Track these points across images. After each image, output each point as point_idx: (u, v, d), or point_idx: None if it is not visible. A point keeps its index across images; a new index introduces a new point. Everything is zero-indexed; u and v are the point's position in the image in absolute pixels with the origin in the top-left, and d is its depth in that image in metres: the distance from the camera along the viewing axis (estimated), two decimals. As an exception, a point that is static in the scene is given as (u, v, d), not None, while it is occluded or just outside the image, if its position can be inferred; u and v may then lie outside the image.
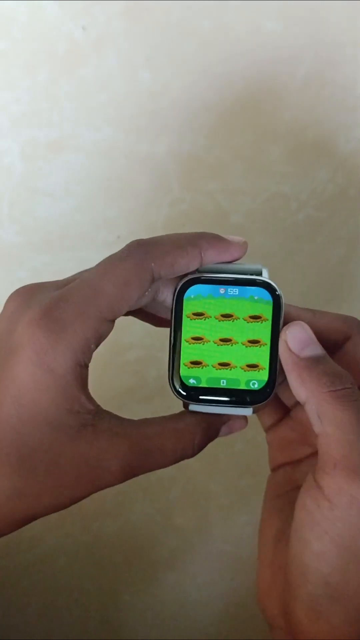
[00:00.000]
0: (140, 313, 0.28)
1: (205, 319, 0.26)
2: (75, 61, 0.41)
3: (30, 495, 0.23)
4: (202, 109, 0.42)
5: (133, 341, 0.43)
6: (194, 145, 0.42)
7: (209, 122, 0.42)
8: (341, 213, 0.43)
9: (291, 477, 0.28)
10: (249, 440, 0.44)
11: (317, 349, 0.24)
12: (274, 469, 0.30)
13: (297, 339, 0.24)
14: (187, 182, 0.43)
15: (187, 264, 0.25)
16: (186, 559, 0.46)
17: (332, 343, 0.26)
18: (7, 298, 0.26)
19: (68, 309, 0.23)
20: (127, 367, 0.43)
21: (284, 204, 0.43)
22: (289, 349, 0.24)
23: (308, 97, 0.42)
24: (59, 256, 0.43)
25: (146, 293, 0.25)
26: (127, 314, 0.26)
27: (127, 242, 0.26)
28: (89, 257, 0.43)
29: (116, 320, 0.25)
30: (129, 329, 0.43)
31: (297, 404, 0.29)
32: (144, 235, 0.26)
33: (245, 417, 0.27)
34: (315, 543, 0.22)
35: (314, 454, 0.25)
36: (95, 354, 0.24)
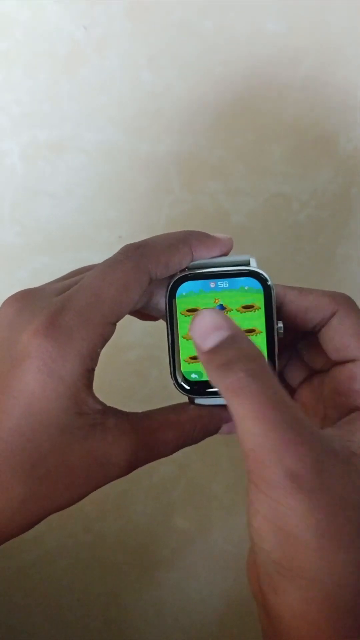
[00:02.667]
0: (135, 312, 0.29)
1: None
2: (77, 62, 0.41)
3: (43, 496, 0.23)
4: (203, 110, 0.42)
5: (134, 341, 0.43)
6: (195, 146, 0.42)
7: (210, 122, 0.42)
8: (343, 213, 0.43)
9: None
10: (250, 441, 0.44)
11: (216, 336, 0.22)
12: None
13: (198, 331, 0.23)
14: (188, 183, 0.43)
15: (180, 261, 0.26)
16: (188, 559, 0.46)
17: (319, 319, 0.26)
18: (3, 303, 0.26)
19: (73, 315, 0.23)
20: (128, 366, 0.43)
21: (285, 204, 0.43)
22: (197, 344, 0.23)
23: (309, 97, 0.42)
24: (60, 257, 0.43)
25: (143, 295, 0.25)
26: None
27: (129, 242, 0.26)
28: (90, 258, 0.43)
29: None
30: (129, 328, 0.43)
31: (301, 385, 0.29)
32: (145, 235, 0.26)
33: None
34: (253, 520, 0.22)
35: None
36: (96, 354, 0.24)
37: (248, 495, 0.22)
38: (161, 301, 0.27)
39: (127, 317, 0.30)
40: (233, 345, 0.22)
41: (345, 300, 0.27)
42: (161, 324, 0.29)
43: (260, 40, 0.41)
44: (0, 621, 0.46)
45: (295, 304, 0.26)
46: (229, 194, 0.43)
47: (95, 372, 0.24)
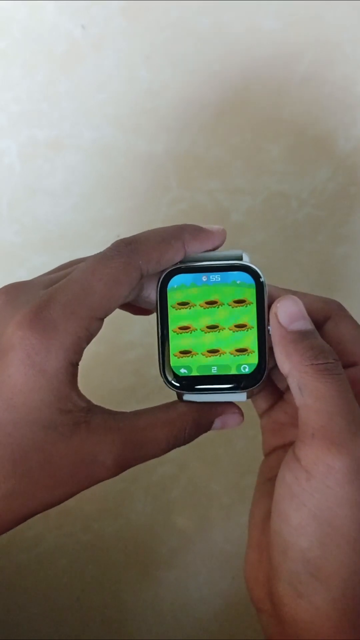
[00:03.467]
0: (126, 306, 0.28)
1: (190, 308, 0.26)
2: (75, 60, 0.41)
3: (25, 494, 0.23)
4: (201, 108, 0.42)
5: (133, 340, 0.43)
6: (193, 144, 0.42)
7: (208, 120, 0.42)
8: (341, 211, 0.43)
9: (282, 460, 0.28)
10: (250, 439, 0.44)
11: (306, 324, 0.24)
12: (267, 454, 0.30)
13: (287, 312, 0.24)
14: (186, 181, 0.43)
15: (172, 257, 0.26)
16: (187, 558, 0.46)
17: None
18: None
19: (58, 308, 0.23)
20: (127, 366, 0.43)
21: (284, 202, 0.43)
22: (279, 322, 0.24)
23: (307, 95, 0.42)
24: (58, 255, 0.43)
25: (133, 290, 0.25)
26: None
27: (126, 241, 0.25)
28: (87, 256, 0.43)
29: (116, 320, 0.25)
30: (128, 328, 0.43)
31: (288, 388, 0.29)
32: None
33: (240, 414, 0.27)
34: (293, 516, 0.22)
35: None
36: (95, 354, 0.24)
37: (289, 491, 0.22)
38: (152, 294, 0.27)
39: (127, 317, 0.29)
40: (318, 337, 0.24)
41: (338, 307, 0.27)
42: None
43: (257, 38, 0.41)
44: (0, 621, 0.46)
45: None
46: (228, 192, 0.43)
47: (95, 372, 0.24)
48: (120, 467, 0.24)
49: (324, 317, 0.26)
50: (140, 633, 0.46)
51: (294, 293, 0.26)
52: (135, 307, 0.28)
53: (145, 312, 0.29)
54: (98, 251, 0.25)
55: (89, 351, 0.24)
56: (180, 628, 0.46)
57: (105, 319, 0.24)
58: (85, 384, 0.26)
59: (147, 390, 0.44)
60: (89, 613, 0.46)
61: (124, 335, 0.43)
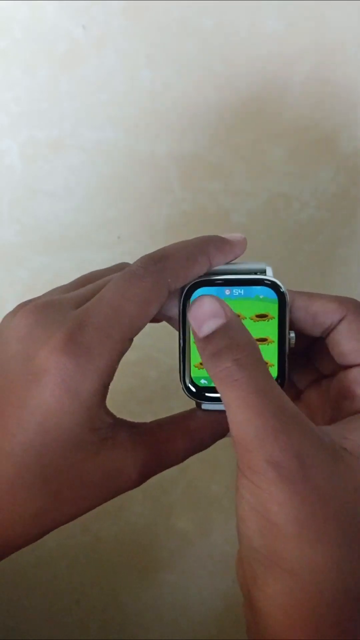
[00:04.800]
0: None
1: None
2: (76, 60, 0.41)
3: (53, 511, 0.24)
4: (203, 109, 0.42)
5: (133, 342, 0.43)
6: (195, 145, 0.42)
7: (210, 121, 0.42)
8: (343, 212, 0.43)
9: None
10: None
11: (213, 323, 0.23)
12: None
13: (195, 318, 0.23)
14: (188, 182, 0.42)
15: (198, 272, 0.26)
16: (187, 560, 0.46)
17: (328, 324, 0.26)
18: (15, 312, 0.25)
19: (92, 332, 0.23)
20: (127, 368, 0.43)
21: (285, 203, 0.43)
22: (194, 332, 0.23)
23: (310, 96, 0.42)
24: (59, 256, 0.43)
25: None
26: None
27: (128, 242, 0.25)
28: (88, 258, 0.42)
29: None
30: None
31: (308, 387, 0.29)
32: (145, 235, 0.26)
33: None
34: (238, 508, 0.22)
35: None
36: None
37: (236, 483, 0.22)
38: (171, 307, 0.27)
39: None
40: (226, 333, 0.23)
41: (354, 305, 0.26)
42: (160, 326, 0.29)
43: (260, 39, 0.41)
44: (0, 622, 0.46)
45: (304, 309, 0.26)
46: (229, 193, 0.43)
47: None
48: (144, 477, 0.25)
49: (340, 317, 0.26)
50: (140, 635, 0.46)
51: (311, 296, 0.26)
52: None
53: (155, 321, 0.29)
54: (99, 252, 0.25)
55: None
56: (180, 630, 0.46)
57: None
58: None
59: (147, 392, 0.44)
60: (89, 615, 0.46)
61: (125, 336, 0.43)
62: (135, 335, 0.24)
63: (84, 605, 0.46)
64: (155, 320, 0.29)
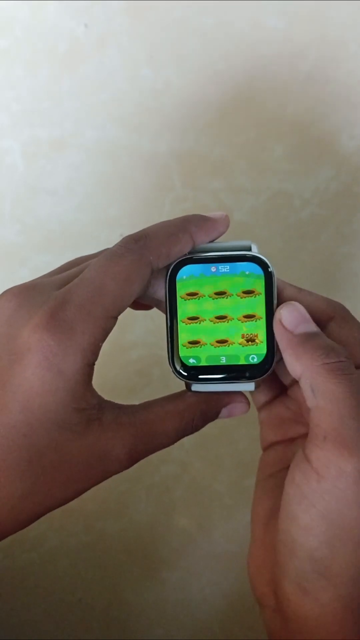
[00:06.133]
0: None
1: (199, 298, 0.26)
2: (77, 59, 0.41)
3: (41, 493, 0.23)
4: (204, 107, 0.42)
5: (136, 340, 0.43)
6: (197, 143, 0.42)
7: (212, 119, 0.42)
8: (345, 210, 0.43)
9: (283, 456, 0.28)
10: (253, 440, 0.44)
11: (311, 326, 0.25)
12: (265, 448, 0.30)
13: (291, 316, 0.24)
14: (190, 180, 0.42)
15: (181, 250, 0.26)
16: (190, 558, 0.46)
17: (315, 321, 0.26)
18: (0, 296, 0.25)
19: (74, 310, 0.23)
20: (130, 366, 0.43)
21: (287, 201, 0.43)
22: (283, 327, 0.24)
23: (311, 94, 0.42)
24: (61, 255, 0.43)
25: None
26: None
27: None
28: (91, 256, 0.42)
29: (119, 320, 0.25)
30: (131, 327, 0.43)
31: (295, 382, 0.29)
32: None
33: (247, 403, 0.27)
34: (302, 517, 0.22)
35: (307, 433, 0.25)
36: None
37: (299, 491, 0.22)
38: (158, 289, 0.27)
39: (130, 317, 0.29)
40: (325, 336, 0.24)
41: (342, 309, 0.27)
42: (163, 324, 0.29)
43: (261, 36, 0.41)
44: (2, 621, 0.46)
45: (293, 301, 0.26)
46: (231, 191, 0.43)
47: (98, 371, 0.24)
48: (133, 459, 0.25)
49: (327, 318, 0.26)
50: (142, 633, 0.46)
51: (300, 290, 0.27)
52: (137, 303, 0.28)
53: (146, 307, 0.29)
54: (100, 250, 0.25)
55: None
56: (182, 628, 0.46)
57: None
58: (89, 384, 0.25)
59: (150, 390, 0.44)
60: (92, 613, 0.46)
61: (127, 335, 0.43)
62: (119, 313, 0.24)
63: (86, 603, 0.46)
64: (146, 306, 0.29)
